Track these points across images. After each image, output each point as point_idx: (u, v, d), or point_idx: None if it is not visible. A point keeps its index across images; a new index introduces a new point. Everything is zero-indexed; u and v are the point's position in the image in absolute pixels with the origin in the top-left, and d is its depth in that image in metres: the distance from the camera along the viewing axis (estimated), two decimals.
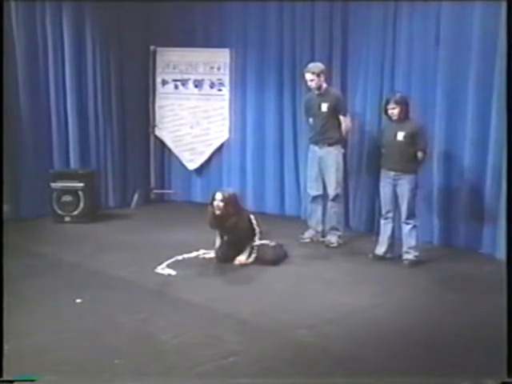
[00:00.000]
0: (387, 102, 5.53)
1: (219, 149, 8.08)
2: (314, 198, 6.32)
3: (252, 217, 5.65)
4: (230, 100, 7.89)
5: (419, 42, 6.17)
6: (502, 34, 5.20)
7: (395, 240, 5.69)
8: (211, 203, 5.51)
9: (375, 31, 6.50)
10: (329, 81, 6.32)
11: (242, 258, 5.54)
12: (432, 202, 6.16)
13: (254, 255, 5.57)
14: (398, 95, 5.55)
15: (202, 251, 5.66)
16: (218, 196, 5.47)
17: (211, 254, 5.64)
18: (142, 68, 8.13)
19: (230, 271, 5.39)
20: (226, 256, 5.57)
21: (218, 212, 5.45)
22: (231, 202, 5.49)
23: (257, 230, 5.60)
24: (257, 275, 5.28)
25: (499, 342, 3.30)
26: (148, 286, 4.89)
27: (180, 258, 5.36)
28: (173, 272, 5.03)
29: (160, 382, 3.40)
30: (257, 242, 5.60)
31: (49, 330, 3.98)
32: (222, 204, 5.43)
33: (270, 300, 4.68)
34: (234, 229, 5.51)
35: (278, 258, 5.61)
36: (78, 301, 4.57)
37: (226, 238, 5.70)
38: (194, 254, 5.60)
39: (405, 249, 5.57)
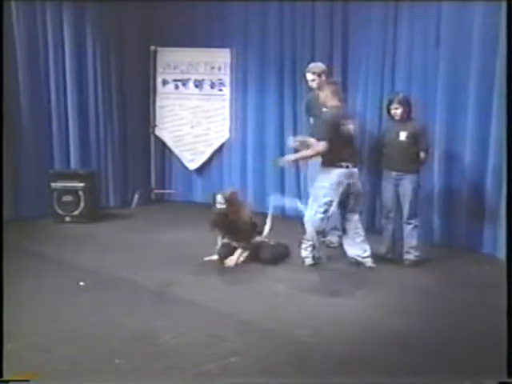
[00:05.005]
0: (390, 102, 5.52)
1: (220, 149, 8.09)
2: None
3: (252, 216, 5.69)
4: (231, 100, 7.90)
5: (420, 41, 6.18)
6: (503, 35, 5.20)
7: (396, 240, 5.69)
8: (213, 204, 5.52)
9: (376, 31, 6.51)
10: None
11: (233, 258, 5.53)
12: (433, 201, 6.15)
13: (244, 254, 5.57)
14: (401, 95, 5.53)
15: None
16: (219, 198, 5.48)
17: (214, 257, 5.65)
18: (142, 68, 8.14)
19: (231, 271, 5.39)
20: (228, 256, 5.57)
21: (221, 212, 5.46)
22: (232, 201, 5.51)
23: (258, 224, 5.65)
24: (257, 275, 5.27)
25: (499, 342, 3.30)
26: (148, 286, 4.88)
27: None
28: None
29: (160, 382, 3.40)
30: (256, 238, 5.62)
31: (49, 330, 3.98)
32: (224, 206, 5.44)
33: (271, 300, 4.67)
34: (234, 226, 5.51)
35: (276, 257, 5.59)
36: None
37: (226, 238, 5.69)
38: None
39: (406, 249, 5.56)
